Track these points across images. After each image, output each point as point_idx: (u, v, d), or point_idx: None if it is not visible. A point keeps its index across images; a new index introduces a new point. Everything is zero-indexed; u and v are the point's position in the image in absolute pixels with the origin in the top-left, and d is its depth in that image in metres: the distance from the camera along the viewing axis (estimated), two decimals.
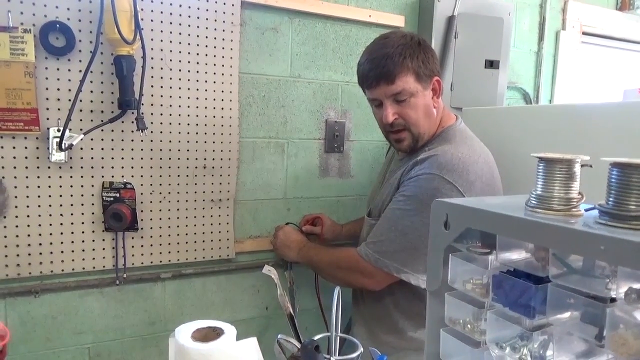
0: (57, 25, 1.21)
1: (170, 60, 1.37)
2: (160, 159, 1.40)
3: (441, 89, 1.23)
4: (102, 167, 1.33)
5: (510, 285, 0.50)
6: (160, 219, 1.42)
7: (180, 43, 1.38)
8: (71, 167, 1.29)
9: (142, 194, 1.38)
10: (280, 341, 0.71)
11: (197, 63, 1.41)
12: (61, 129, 1.24)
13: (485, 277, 0.53)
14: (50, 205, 1.29)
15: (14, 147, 1.23)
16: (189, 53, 1.39)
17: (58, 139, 1.24)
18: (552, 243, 0.49)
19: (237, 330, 0.83)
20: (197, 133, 1.43)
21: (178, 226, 1.45)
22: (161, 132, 1.39)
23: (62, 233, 1.31)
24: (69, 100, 1.25)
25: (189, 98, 1.41)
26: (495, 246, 0.53)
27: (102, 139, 1.32)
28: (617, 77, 2.40)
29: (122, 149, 1.35)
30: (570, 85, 2.16)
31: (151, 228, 1.41)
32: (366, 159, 1.76)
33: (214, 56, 1.43)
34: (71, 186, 1.30)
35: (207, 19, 1.40)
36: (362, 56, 1.22)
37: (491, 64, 1.77)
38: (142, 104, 1.31)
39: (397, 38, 1.17)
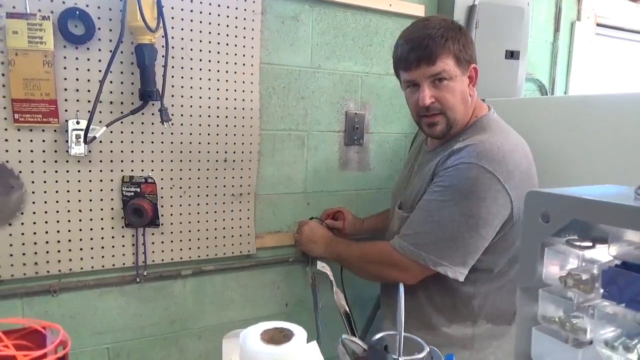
0: (77, 12, 1.15)
1: (191, 49, 1.32)
2: (181, 152, 1.35)
3: (477, 78, 1.20)
4: (122, 161, 1.28)
5: (626, 281, 0.47)
6: (181, 214, 1.38)
7: (200, 32, 1.33)
8: (90, 161, 1.24)
9: (162, 188, 1.34)
10: (344, 341, 0.67)
11: (218, 53, 1.36)
12: (80, 121, 1.19)
13: (587, 272, 0.50)
14: (68, 201, 1.23)
15: (31, 140, 1.17)
16: (209, 42, 1.34)
17: (77, 132, 1.19)
18: None
19: None
20: (217, 125, 1.39)
21: (198, 221, 1.41)
22: (182, 125, 1.34)
23: (80, 230, 1.26)
24: (88, 91, 1.21)
25: (209, 89, 1.36)
26: (596, 239, 0.50)
27: (122, 132, 1.27)
28: (631, 70, 2.39)
29: (142, 142, 1.30)
30: (585, 77, 2.14)
31: (171, 224, 1.37)
32: (385, 152, 1.73)
33: (235, 45, 1.38)
34: (90, 181, 1.25)
35: (227, 6, 1.35)
36: (399, 38, 1.18)
37: (512, 55, 1.74)
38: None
39: (437, 21, 1.14)
